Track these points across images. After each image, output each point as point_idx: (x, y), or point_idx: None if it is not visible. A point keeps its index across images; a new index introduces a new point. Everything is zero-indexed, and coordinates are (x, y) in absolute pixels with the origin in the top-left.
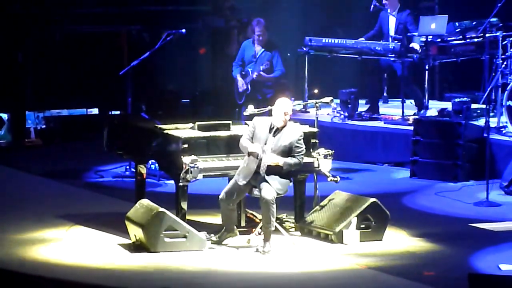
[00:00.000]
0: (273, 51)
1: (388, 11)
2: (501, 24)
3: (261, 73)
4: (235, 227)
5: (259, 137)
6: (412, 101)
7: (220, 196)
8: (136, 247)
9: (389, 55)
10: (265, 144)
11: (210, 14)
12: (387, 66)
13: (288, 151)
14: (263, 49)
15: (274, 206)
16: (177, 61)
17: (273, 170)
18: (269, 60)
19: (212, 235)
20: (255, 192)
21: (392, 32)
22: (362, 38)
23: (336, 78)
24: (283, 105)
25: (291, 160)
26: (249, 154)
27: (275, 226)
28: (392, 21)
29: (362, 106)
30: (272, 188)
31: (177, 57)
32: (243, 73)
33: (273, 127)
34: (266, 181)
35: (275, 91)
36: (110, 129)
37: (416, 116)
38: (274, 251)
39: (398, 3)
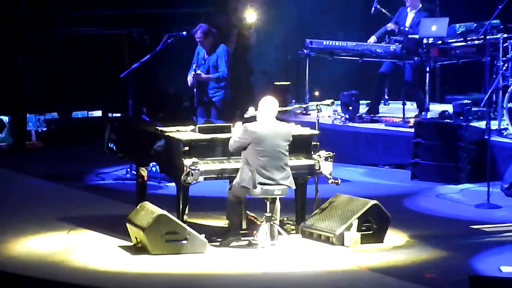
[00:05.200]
0: (217, 53)
1: (408, 10)
2: (502, 26)
3: (198, 72)
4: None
5: None
6: (414, 103)
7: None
8: (137, 250)
9: (390, 58)
10: None
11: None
12: (390, 67)
13: None
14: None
15: (231, 202)
16: (178, 63)
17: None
18: (214, 65)
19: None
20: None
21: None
22: (373, 36)
23: (337, 80)
24: (261, 102)
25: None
26: None
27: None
28: (409, 20)
29: (364, 108)
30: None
31: (178, 59)
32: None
33: None
34: None
35: (223, 94)
36: (111, 131)
37: (417, 118)
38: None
39: (420, 3)
